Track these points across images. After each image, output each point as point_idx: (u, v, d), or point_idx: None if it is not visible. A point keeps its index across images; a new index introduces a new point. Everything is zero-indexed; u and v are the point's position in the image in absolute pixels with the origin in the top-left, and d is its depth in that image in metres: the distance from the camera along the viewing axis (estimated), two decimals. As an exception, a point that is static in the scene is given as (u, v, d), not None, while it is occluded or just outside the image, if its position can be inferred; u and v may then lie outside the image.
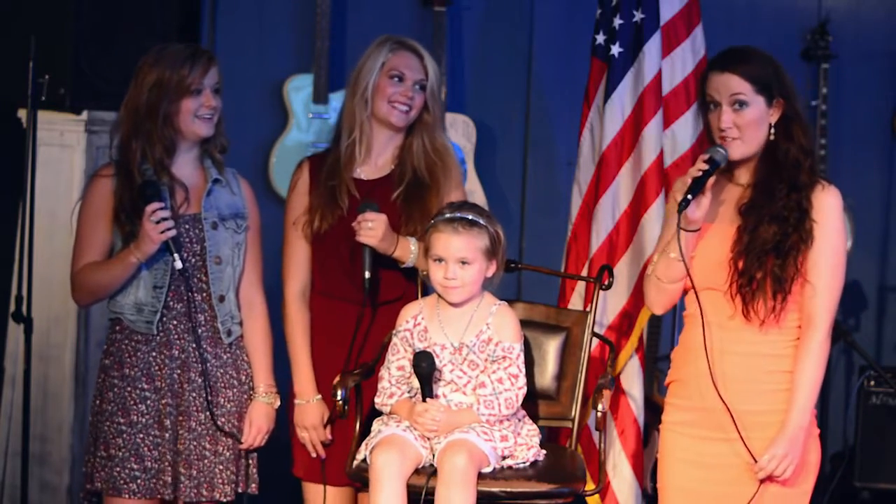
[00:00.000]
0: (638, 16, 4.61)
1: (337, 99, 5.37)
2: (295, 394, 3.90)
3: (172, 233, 3.65)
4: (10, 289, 4.53)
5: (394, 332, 3.72)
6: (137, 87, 3.73)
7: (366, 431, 3.69)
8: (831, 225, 3.43)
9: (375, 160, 3.93)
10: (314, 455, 3.89)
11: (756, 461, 3.40)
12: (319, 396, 3.88)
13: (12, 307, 4.28)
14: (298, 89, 5.43)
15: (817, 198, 3.43)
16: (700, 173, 3.39)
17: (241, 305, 3.84)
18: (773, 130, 3.45)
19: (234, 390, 3.80)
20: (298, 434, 3.90)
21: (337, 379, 3.68)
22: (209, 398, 3.72)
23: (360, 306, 3.78)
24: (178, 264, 3.66)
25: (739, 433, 3.40)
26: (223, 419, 3.77)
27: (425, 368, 3.55)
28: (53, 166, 4.68)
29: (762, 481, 3.41)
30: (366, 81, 3.85)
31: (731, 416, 3.40)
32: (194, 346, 3.73)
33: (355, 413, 3.74)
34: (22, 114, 4.64)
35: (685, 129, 4.69)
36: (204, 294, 3.76)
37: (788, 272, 3.39)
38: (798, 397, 3.40)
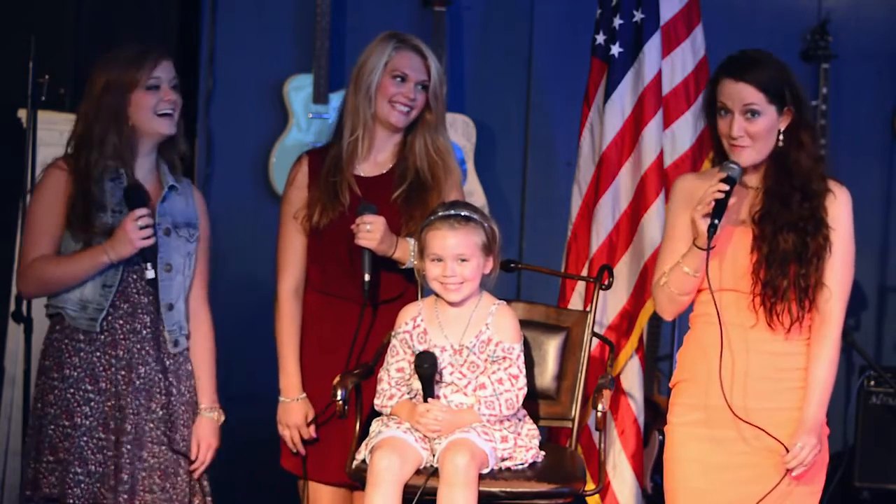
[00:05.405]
0: (638, 16, 4.61)
1: (337, 99, 5.37)
2: (280, 390, 3.89)
3: (152, 241, 3.60)
4: (10, 289, 4.52)
5: (393, 333, 3.71)
6: (88, 95, 3.63)
7: (365, 432, 3.69)
8: (844, 230, 3.47)
9: (375, 157, 3.92)
10: (296, 452, 3.87)
11: (787, 449, 3.42)
12: (304, 395, 3.87)
13: (12, 307, 4.27)
14: (298, 89, 5.43)
15: (831, 204, 3.46)
16: (722, 195, 3.39)
17: (189, 318, 3.77)
18: (781, 137, 3.46)
19: (171, 398, 3.70)
20: (280, 431, 3.88)
21: (337, 379, 3.67)
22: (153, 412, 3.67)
23: (359, 306, 3.77)
24: (151, 273, 3.60)
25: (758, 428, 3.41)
26: (151, 424, 3.68)
27: (427, 369, 3.55)
28: (53, 166, 4.67)
29: (785, 472, 3.44)
30: (369, 80, 3.83)
31: (733, 414, 3.43)
32: (138, 346, 3.67)
33: (355, 413, 3.74)
34: (22, 114, 4.63)
35: (685, 129, 4.69)
36: (151, 298, 3.68)
37: (811, 280, 3.43)
38: (814, 394, 3.45)
